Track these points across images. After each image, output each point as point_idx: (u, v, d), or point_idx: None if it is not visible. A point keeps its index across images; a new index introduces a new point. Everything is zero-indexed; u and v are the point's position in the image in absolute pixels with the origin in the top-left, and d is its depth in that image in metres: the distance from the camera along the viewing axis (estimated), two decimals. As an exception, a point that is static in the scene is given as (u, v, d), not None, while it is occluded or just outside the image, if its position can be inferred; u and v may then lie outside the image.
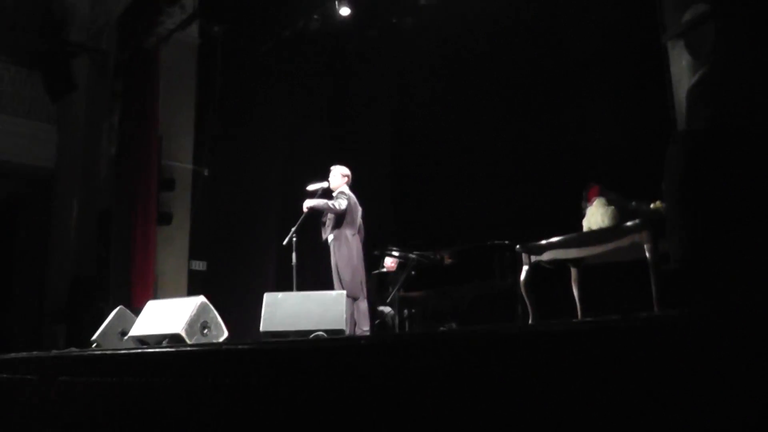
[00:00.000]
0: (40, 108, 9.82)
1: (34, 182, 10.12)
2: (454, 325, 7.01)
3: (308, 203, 6.46)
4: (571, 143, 6.89)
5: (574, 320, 4.87)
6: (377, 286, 7.60)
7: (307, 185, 6.67)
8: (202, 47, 9.55)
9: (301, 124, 10.15)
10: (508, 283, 6.37)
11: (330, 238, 6.60)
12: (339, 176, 6.81)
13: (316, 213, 6.64)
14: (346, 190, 6.76)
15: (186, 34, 9.28)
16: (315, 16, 8.63)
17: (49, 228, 9.94)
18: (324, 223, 6.70)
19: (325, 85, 10.24)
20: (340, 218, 6.54)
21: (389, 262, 7.87)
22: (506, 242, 6.51)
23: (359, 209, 6.76)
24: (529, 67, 7.57)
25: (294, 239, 6.32)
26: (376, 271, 7.85)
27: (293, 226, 6.37)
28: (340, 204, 6.48)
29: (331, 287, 6.36)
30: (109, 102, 9.23)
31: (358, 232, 6.67)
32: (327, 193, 6.70)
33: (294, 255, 6.29)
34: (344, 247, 6.49)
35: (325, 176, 6.82)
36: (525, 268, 5.04)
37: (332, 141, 10.01)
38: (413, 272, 7.02)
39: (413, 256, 7.03)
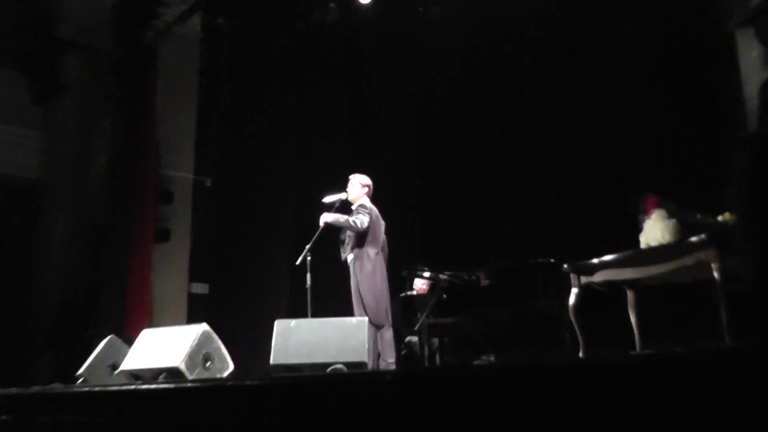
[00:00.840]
0: (22, 112, 9.62)
1: (15, 194, 9.88)
2: (492, 358, 7.00)
3: (325, 218, 6.48)
4: (624, 146, 6.94)
5: (631, 353, 4.87)
6: (404, 311, 7.62)
7: (323, 197, 6.70)
8: (205, 42, 9.66)
9: (316, 129, 10.17)
10: (554, 307, 6.30)
11: (350, 257, 6.61)
12: (359, 186, 6.84)
13: (334, 229, 6.65)
14: (367, 202, 6.78)
15: (187, 28, 9.36)
16: (331, 5, 8.72)
17: (32, 246, 9.76)
18: (343, 241, 6.73)
19: (343, 84, 10.28)
20: (362, 235, 6.58)
21: (418, 284, 7.92)
22: (552, 260, 6.50)
23: (382, 224, 6.77)
24: (572, 63, 7.65)
25: (309, 258, 6.30)
26: (403, 294, 7.88)
27: (308, 244, 6.36)
28: (362, 221, 6.51)
29: (351, 313, 6.35)
30: (101, 104, 9.31)
31: (382, 250, 6.69)
32: (345, 206, 6.75)
33: (309, 276, 6.26)
34: (366, 268, 6.49)
35: (343, 187, 6.83)
36: (574, 290, 5.05)
37: (351, 147, 10.04)
38: (445, 295, 7.00)
39: (444, 276, 7.02)
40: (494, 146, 8.38)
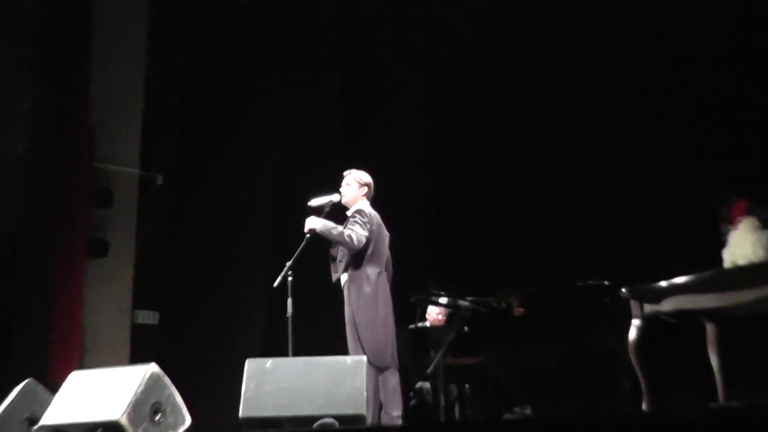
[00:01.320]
0: None
1: None
2: (528, 410, 6.94)
3: (311, 224, 6.49)
4: (699, 137, 7.15)
5: (711, 404, 4.85)
6: (413, 348, 7.56)
7: (309, 200, 6.67)
8: (157, -2, 10.04)
9: (302, 116, 10.21)
10: (609, 344, 6.24)
11: (344, 279, 6.64)
12: (356, 186, 6.88)
13: (324, 241, 6.64)
14: (367, 207, 6.80)
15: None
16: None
17: None
18: (335, 258, 6.74)
19: (336, 62, 10.35)
20: (360, 251, 6.58)
21: (432, 314, 7.90)
22: (605, 283, 6.48)
23: (386, 235, 6.80)
24: (623, 54, 8.08)
25: (290, 279, 6.29)
26: (413, 327, 7.88)
27: (289, 261, 6.34)
28: (358, 237, 6.54)
29: (345, 351, 6.37)
30: (19, 78, 9.16)
31: (385, 269, 6.71)
32: (339, 211, 6.74)
33: (290, 303, 6.25)
34: (365, 292, 6.52)
35: (335, 187, 6.86)
36: (636, 322, 4.99)
37: (345, 137, 10.13)
38: (466, 328, 6.96)
39: (466, 303, 7.00)
40: (523, 138, 8.55)
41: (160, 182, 9.47)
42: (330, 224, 6.52)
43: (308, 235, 6.43)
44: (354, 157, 7.90)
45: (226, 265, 9.58)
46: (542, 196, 8.33)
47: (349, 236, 6.47)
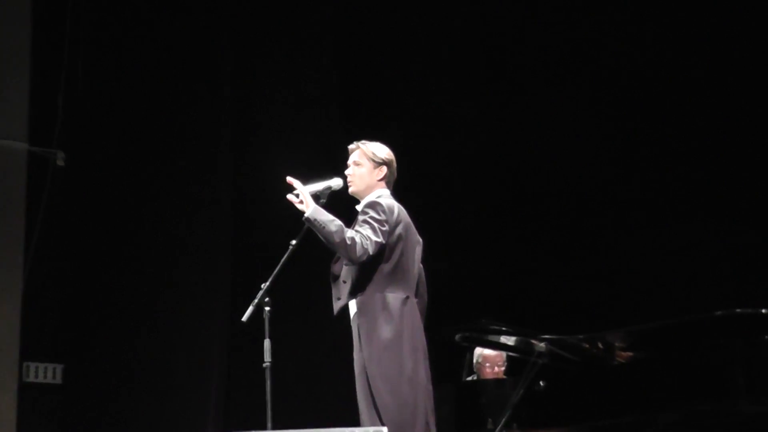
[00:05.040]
0: None
1: None
2: None
3: (304, 205, 6.36)
4: None
5: None
6: (459, 416, 7.53)
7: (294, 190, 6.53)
8: None
9: (282, 73, 10.59)
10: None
11: (351, 309, 6.48)
12: (368, 166, 6.71)
13: (319, 247, 6.45)
14: (386, 197, 6.64)
15: None
16: None
17: None
18: (336, 276, 6.60)
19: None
20: (372, 265, 6.43)
21: (487, 360, 8.03)
22: (763, 311, 6.40)
23: (417, 243, 6.66)
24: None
25: (267, 310, 6.22)
26: (466, 380, 8.07)
27: (264, 282, 6.29)
28: (365, 243, 6.32)
29: (352, 418, 6.38)
30: None
31: (415, 294, 6.57)
32: (339, 207, 6.57)
33: (268, 346, 6.21)
34: (383, 331, 6.37)
35: (339, 169, 6.70)
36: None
37: (343, 103, 10.42)
38: (542, 383, 6.99)
39: (542, 345, 7.02)
40: (620, 96, 9.51)
41: (61, 163, 9.69)
42: (326, 215, 6.34)
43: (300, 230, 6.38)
44: (359, 130, 7.86)
45: (166, 289, 9.74)
46: (651, 191, 9.24)
47: (351, 239, 6.26)
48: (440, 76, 10.88)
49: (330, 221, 6.32)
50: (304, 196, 6.37)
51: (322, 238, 6.33)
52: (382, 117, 9.81)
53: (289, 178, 6.41)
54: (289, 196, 6.40)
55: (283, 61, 11.04)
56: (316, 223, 6.29)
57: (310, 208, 6.32)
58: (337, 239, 6.27)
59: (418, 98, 10.66)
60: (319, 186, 6.55)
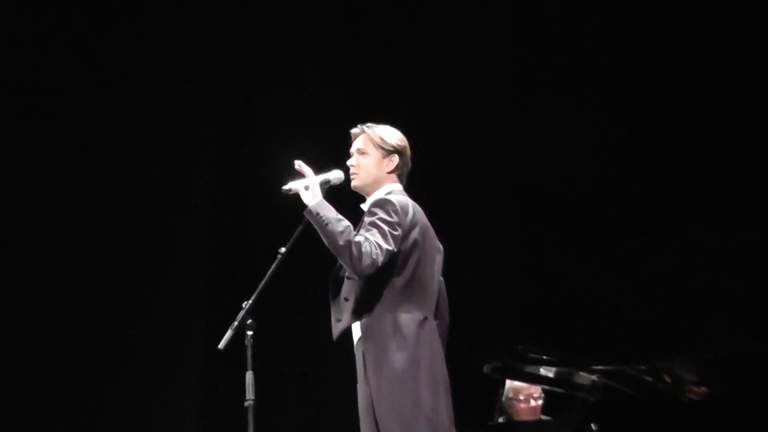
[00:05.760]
0: None
1: None
2: None
3: (306, 195, 6.18)
4: None
5: None
6: None
7: (284, 182, 6.40)
8: None
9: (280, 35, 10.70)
10: None
11: (355, 332, 6.21)
12: (376, 155, 6.46)
13: (309, 247, 6.54)
14: (398, 194, 6.35)
15: None
16: None
17: None
18: (336, 292, 6.33)
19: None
20: (382, 279, 6.16)
21: (519, 391, 7.88)
22: None
23: (437, 250, 6.37)
24: None
25: (249, 335, 6.04)
26: (497, 422, 7.95)
27: (246, 300, 6.11)
28: (371, 251, 6.00)
29: None
30: None
31: (435, 315, 6.29)
32: (342, 204, 6.27)
33: (250, 380, 6.02)
34: (394, 360, 6.09)
35: (341, 158, 6.51)
36: None
37: (349, 89, 10.46)
38: (594, 427, 7.04)
39: (594, 378, 6.84)
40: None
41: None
42: (332, 211, 6.12)
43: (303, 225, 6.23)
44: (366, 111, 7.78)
45: (120, 309, 9.70)
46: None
47: (359, 245, 5.98)
48: (461, 58, 10.84)
49: (336, 220, 6.10)
50: (312, 183, 6.20)
51: (323, 238, 6.11)
52: (393, 104, 9.61)
53: (298, 163, 6.26)
54: (297, 164, 6.29)
55: (281, 41, 11.11)
56: (318, 218, 6.09)
57: (316, 199, 6.15)
58: (341, 242, 6.03)
59: (434, 84, 10.62)
60: (320, 178, 6.41)
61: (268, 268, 6.20)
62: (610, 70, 10.91)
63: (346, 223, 6.08)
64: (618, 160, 10.33)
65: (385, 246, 6.02)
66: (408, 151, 6.52)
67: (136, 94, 10.74)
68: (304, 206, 6.22)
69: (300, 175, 6.34)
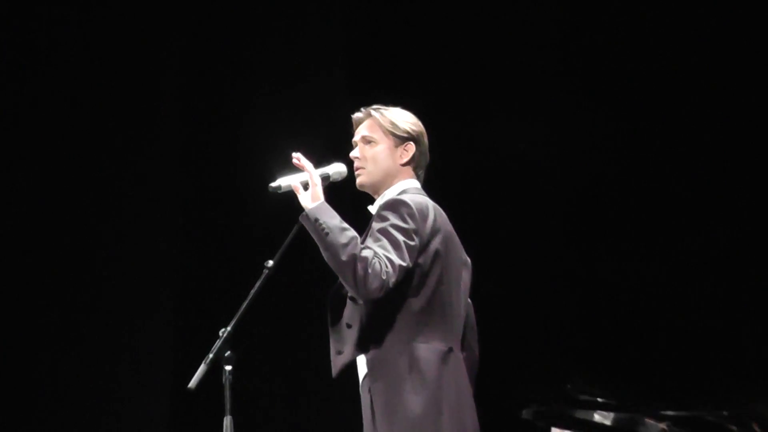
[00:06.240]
0: None
1: None
2: None
3: (304, 196, 5.66)
4: None
5: None
6: None
7: (274, 178, 5.93)
8: None
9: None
10: None
11: (360, 368, 5.70)
12: (387, 143, 5.98)
13: (303, 262, 6.51)
14: (414, 194, 5.86)
15: None
16: None
17: None
18: (337, 319, 5.85)
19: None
20: (396, 301, 5.62)
21: None
22: None
23: (463, 264, 5.86)
24: None
25: (228, 371, 5.52)
26: None
27: (224, 327, 5.60)
28: (380, 268, 5.45)
29: None
30: None
31: (462, 346, 5.77)
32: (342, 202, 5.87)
33: (228, 424, 5.59)
34: (411, 401, 5.58)
35: (342, 151, 6.11)
36: None
37: (352, 68, 10.27)
38: None
39: (662, 426, 6.58)
40: None
41: None
42: (335, 216, 5.59)
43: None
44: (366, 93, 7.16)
45: (85, 329, 9.31)
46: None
47: (365, 262, 5.40)
48: (478, 35, 10.06)
49: (340, 229, 5.54)
50: (313, 181, 5.68)
51: (322, 251, 5.60)
52: (403, 85, 9.13)
53: (296, 155, 5.73)
54: (295, 157, 5.75)
55: (274, 16, 10.68)
56: (317, 225, 5.57)
57: (316, 202, 5.61)
58: (344, 257, 5.49)
59: (448, 64, 9.99)
60: (319, 172, 5.93)
61: (252, 286, 5.63)
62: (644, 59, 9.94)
63: (352, 233, 5.51)
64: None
65: (398, 261, 5.48)
66: (425, 139, 5.99)
67: (125, 78, 10.39)
68: (300, 209, 5.63)
69: (295, 169, 5.81)
